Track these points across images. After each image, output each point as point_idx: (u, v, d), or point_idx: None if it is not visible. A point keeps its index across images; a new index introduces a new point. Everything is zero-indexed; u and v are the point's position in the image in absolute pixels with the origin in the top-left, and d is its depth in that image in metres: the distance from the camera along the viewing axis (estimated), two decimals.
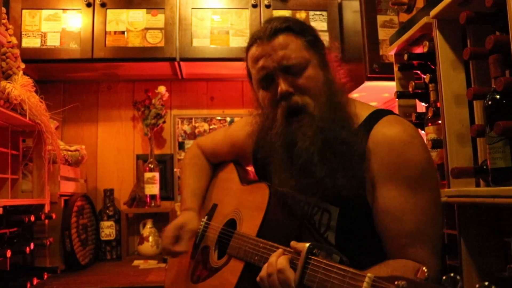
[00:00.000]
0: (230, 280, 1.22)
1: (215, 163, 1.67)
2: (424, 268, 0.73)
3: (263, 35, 1.24)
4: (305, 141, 1.17)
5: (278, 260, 1.05)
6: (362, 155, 1.16)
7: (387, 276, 0.78)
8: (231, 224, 1.39)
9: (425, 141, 1.54)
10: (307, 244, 1.00)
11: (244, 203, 1.38)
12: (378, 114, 1.23)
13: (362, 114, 1.24)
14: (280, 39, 1.22)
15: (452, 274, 0.68)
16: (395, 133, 1.15)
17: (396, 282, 0.74)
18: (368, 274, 0.82)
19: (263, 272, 1.08)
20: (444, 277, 0.69)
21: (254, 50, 1.27)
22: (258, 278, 1.09)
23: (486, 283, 0.64)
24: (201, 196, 1.61)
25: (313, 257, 0.98)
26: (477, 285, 0.65)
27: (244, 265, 1.21)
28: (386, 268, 1.07)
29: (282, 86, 1.20)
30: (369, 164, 1.15)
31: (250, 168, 1.57)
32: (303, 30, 1.25)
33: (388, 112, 1.26)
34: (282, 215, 1.24)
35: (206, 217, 1.53)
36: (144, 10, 2.54)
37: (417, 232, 1.10)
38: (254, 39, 1.28)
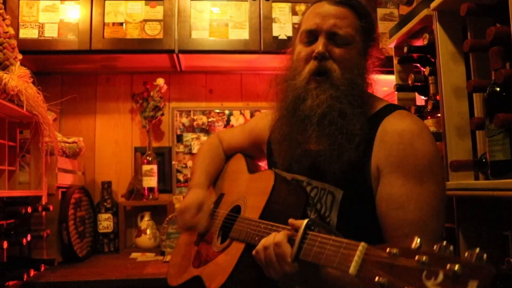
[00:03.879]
0: (230, 262, 1.22)
1: (230, 154, 1.70)
2: (417, 238, 0.72)
3: None
4: (314, 100, 1.23)
5: (276, 235, 1.07)
6: (369, 143, 1.19)
7: (380, 245, 0.78)
8: (237, 210, 1.40)
9: None
10: (306, 220, 1.02)
11: (250, 190, 1.40)
12: (391, 107, 1.27)
13: (376, 105, 1.29)
14: (343, 9, 1.29)
15: (444, 243, 0.68)
16: (405, 124, 1.18)
17: (388, 249, 0.74)
18: (362, 243, 0.82)
19: (259, 246, 1.10)
20: (435, 246, 0.69)
21: (317, 5, 1.33)
22: (254, 252, 1.11)
23: (477, 250, 0.64)
24: (212, 176, 1.65)
25: (311, 232, 1.00)
26: (466, 253, 0.65)
27: (245, 247, 1.21)
28: None
29: (320, 47, 1.25)
30: (377, 152, 1.18)
31: (263, 164, 1.61)
32: (363, 14, 1.31)
33: (401, 107, 1.30)
34: (286, 200, 1.26)
35: (212, 205, 1.55)
36: (143, 2, 2.52)
37: (418, 223, 1.10)
38: None
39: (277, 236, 1.06)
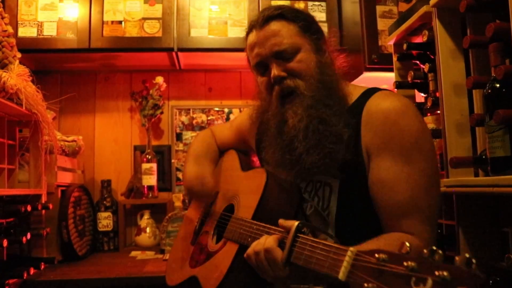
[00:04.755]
0: (224, 263, 1.23)
1: (222, 149, 1.69)
2: (407, 243, 0.72)
3: (257, 23, 1.30)
4: (295, 118, 1.23)
5: (267, 239, 1.06)
6: (356, 128, 1.18)
7: (369, 250, 0.78)
8: (230, 209, 1.40)
9: None
10: (296, 223, 1.01)
11: (243, 188, 1.40)
12: (372, 90, 1.26)
13: (356, 93, 1.27)
14: (272, 26, 1.28)
15: (434, 248, 0.68)
16: (389, 103, 1.17)
17: (376, 255, 0.74)
18: (351, 249, 0.82)
19: (250, 250, 1.10)
20: (425, 250, 0.68)
21: (250, 38, 1.33)
22: (245, 255, 1.11)
23: (467, 255, 0.64)
24: (212, 157, 1.64)
25: (301, 235, 0.99)
26: (456, 258, 0.64)
27: (238, 248, 1.22)
28: (378, 242, 1.06)
29: (275, 72, 1.26)
30: (364, 135, 1.17)
31: (255, 159, 1.60)
32: (295, 17, 1.29)
33: (384, 88, 1.28)
34: (278, 199, 1.26)
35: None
36: (142, 0, 2.52)
37: (410, 202, 1.10)
38: (250, 28, 1.34)
39: (267, 241, 1.05)
